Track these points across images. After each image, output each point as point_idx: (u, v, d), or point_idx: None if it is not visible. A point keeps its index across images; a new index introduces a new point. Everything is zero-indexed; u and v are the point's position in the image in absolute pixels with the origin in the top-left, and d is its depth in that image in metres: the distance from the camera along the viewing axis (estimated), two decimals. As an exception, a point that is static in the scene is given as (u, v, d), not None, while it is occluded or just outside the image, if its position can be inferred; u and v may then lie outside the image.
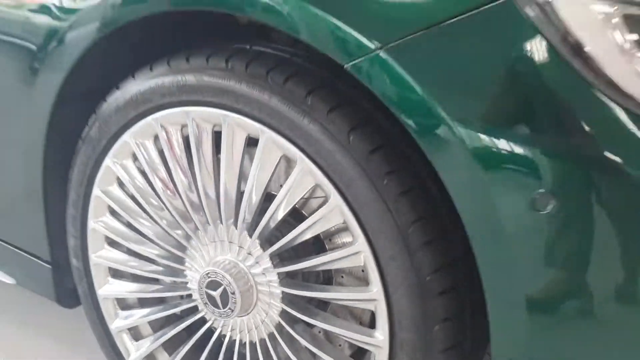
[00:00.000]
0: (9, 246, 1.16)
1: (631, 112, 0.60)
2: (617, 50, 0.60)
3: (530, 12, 0.61)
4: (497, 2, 0.62)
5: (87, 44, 0.89)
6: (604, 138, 0.61)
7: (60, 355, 1.31)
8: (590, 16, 0.61)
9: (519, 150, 0.63)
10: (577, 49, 0.60)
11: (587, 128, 0.62)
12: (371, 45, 0.67)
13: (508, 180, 0.65)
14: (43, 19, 0.94)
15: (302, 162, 0.77)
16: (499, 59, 0.64)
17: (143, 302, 1.01)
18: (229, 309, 0.88)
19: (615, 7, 0.60)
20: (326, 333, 0.90)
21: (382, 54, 0.66)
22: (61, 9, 0.92)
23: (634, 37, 0.60)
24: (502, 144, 0.64)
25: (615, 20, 0.60)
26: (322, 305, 0.88)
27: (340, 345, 0.91)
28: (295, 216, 0.85)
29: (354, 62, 0.69)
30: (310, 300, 0.87)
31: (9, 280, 1.21)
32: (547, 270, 0.67)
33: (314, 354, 0.87)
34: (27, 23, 0.97)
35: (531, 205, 0.64)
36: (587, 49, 0.60)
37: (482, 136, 0.64)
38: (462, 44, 0.65)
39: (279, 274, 0.85)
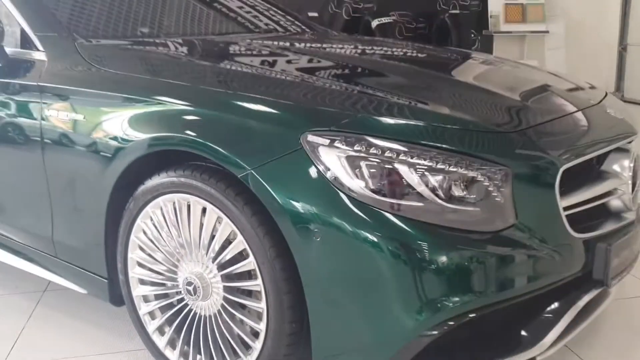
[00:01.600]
0: (85, 271, 2.03)
1: (352, 198, 1.43)
2: (344, 171, 1.44)
3: (312, 154, 1.46)
4: (295, 150, 1.47)
5: (130, 159, 1.76)
6: (335, 211, 1.44)
7: (110, 334, 2.15)
8: (332, 156, 1.45)
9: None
10: (337, 181, 1.44)
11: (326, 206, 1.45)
12: (247, 166, 1.52)
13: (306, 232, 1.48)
14: (113, 143, 1.81)
15: (225, 220, 1.61)
16: (302, 175, 1.48)
17: (157, 297, 1.85)
18: (197, 296, 1.71)
19: (344, 153, 1.45)
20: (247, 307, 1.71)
21: (254, 172, 1.51)
22: (122, 139, 1.79)
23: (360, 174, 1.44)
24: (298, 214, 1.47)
25: (344, 155, 1.44)
26: (248, 292, 1.70)
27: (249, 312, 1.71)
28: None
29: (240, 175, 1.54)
30: (238, 289, 1.69)
31: (83, 291, 2.08)
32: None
33: (240, 320, 1.69)
34: (102, 144, 1.84)
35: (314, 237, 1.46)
36: (330, 172, 1.44)
37: (298, 211, 1.48)
38: (286, 170, 1.49)
39: (222, 277, 1.68)
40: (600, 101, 1.98)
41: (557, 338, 1.62)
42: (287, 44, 2.51)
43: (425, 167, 1.46)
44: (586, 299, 1.68)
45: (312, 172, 1.47)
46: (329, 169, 1.46)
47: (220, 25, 2.79)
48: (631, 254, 1.85)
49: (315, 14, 6.02)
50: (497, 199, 1.49)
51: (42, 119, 1.97)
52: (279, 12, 3.09)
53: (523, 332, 1.62)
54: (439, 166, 1.46)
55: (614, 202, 1.82)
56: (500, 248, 1.50)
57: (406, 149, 1.47)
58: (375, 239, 1.43)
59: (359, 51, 2.47)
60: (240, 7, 2.97)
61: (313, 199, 1.47)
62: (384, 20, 6.03)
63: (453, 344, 1.55)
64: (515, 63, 2.52)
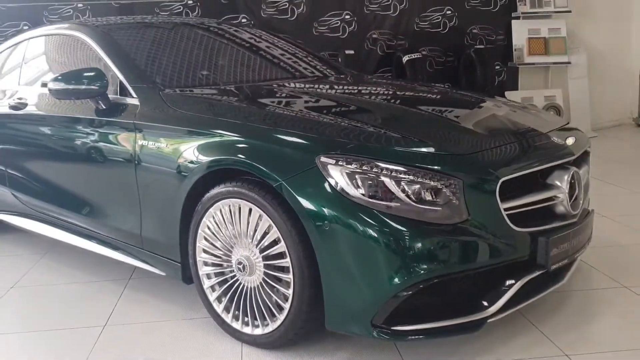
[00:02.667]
0: (164, 258, 2.75)
1: (352, 201, 2.10)
2: (345, 182, 2.11)
3: (323, 171, 2.14)
4: (312, 167, 2.15)
5: (199, 176, 2.48)
6: (340, 210, 2.11)
7: (182, 309, 2.85)
8: (339, 172, 2.13)
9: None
10: (342, 190, 2.12)
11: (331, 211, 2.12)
12: (279, 179, 2.21)
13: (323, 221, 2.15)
14: (187, 164, 2.53)
15: (264, 217, 2.30)
16: (317, 184, 2.16)
17: (216, 275, 2.55)
18: (245, 272, 2.40)
19: (345, 169, 2.12)
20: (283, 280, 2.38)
21: (284, 182, 2.19)
22: (193, 161, 2.51)
23: (357, 184, 2.11)
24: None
25: (346, 171, 2.12)
26: (280, 268, 2.36)
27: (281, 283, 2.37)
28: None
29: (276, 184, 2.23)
30: (274, 266, 2.36)
31: (162, 273, 2.80)
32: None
33: (276, 289, 2.36)
34: (179, 165, 2.57)
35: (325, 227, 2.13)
36: (335, 182, 2.12)
37: (315, 209, 2.15)
38: (306, 181, 2.17)
39: (262, 257, 2.36)
40: (549, 132, 2.60)
41: (504, 305, 2.23)
42: (315, 86, 3.21)
43: (403, 179, 2.12)
44: (528, 277, 2.29)
45: (324, 182, 2.15)
46: (335, 180, 2.14)
47: (267, 73, 3.51)
48: (572, 246, 2.44)
49: (352, 52, 6.74)
50: (454, 201, 2.13)
51: (136, 147, 2.72)
52: (313, 58, 3.80)
53: (479, 299, 2.23)
54: (413, 179, 2.12)
55: (559, 207, 2.42)
56: (457, 235, 2.13)
57: (389, 167, 2.13)
58: (369, 229, 2.09)
59: (364, 92, 3.17)
60: (283, 56, 3.71)
61: (325, 201, 2.14)
62: (414, 56, 6.68)
63: (426, 307, 2.19)
64: (495, 100, 3.16)
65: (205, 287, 2.57)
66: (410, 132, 2.37)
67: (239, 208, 2.38)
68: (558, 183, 2.41)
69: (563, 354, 2.32)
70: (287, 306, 2.30)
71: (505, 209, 2.22)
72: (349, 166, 2.14)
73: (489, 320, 2.23)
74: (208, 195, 2.47)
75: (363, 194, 2.12)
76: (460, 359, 2.33)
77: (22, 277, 3.37)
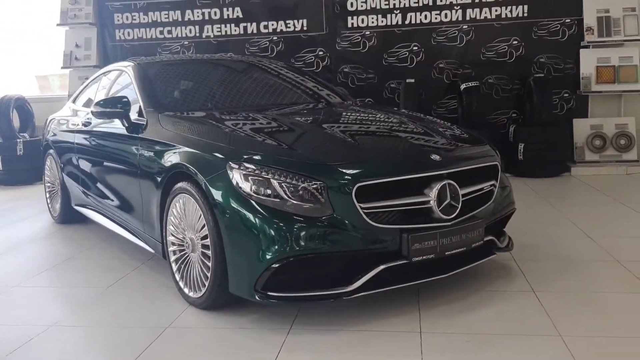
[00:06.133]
0: (153, 239, 3.64)
1: (246, 196, 2.83)
2: (242, 181, 2.86)
3: (230, 172, 2.90)
4: (223, 170, 2.92)
5: (166, 176, 3.34)
6: (238, 202, 2.85)
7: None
8: (239, 174, 2.87)
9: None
10: (239, 187, 2.87)
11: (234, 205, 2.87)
12: (204, 178, 2.99)
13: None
14: (162, 169, 3.41)
15: (197, 207, 3.08)
16: (226, 183, 2.92)
17: (178, 252, 3.37)
18: (191, 250, 3.21)
19: (242, 172, 2.87)
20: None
21: (206, 181, 2.98)
22: (164, 166, 3.38)
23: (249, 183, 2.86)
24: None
25: (242, 173, 2.86)
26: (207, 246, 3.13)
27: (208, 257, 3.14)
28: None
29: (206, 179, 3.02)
30: (204, 245, 3.13)
31: (152, 250, 3.69)
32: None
33: (206, 263, 3.13)
34: (158, 169, 3.46)
35: (227, 215, 2.88)
36: (236, 181, 2.87)
37: (222, 201, 2.92)
38: (219, 181, 2.94)
39: (199, 237, 3.15)
40: (433, 146, 3.19)
41: (361, 286, 2.80)
42: (284, 112, 3.93)
43: (283, 181, 2.81)
44: (387, 265, 2.84)
45: (229, 181, 2.90)
46: (235, 180, 2.88)
47: (259, 100, 4.30)
48: (442, 245, 2.93)
49: (412, 80, 7.31)
50: (320, 199, 2.78)
51: (137, 155, 3.67)
52: (319, 89, 4.55)
53: (341, 277, 2.83)
54: (289, 181, 2.80)
55: (433, 209, 2.93)
56: (323, 226, 2.77)
57: (273, 171, 2.83)
58: (253, 216, 2.81)
59: (317, 116, 3.84)
60: (282, 86, 4.51)
61: (228, 195, 2.90)
62: (471, 84, 7.08)
63: (295, 282, 2.83)
64: (409, 118, 3.81)
65: (171, 261, 3.41)
66: (304, 146, 3.08)
67: (186, 201, 3.20)
68: (427, 191, 2.93)
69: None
70: (211, 275, 3.06)
71: (365, 208, 2.80)
72: (244, 170, 2.88)
73: (355, 296, 2.81)
74: (171, 191, 3.32)
75: (252, 191, 2.83)
76: None
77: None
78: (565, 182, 6.68)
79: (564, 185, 6.54)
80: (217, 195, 2.93)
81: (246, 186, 2.85)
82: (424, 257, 2.90)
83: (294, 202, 2.79)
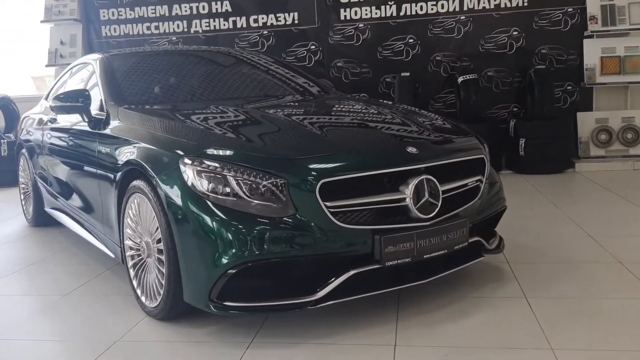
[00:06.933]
0: (112, 241, 3.35)
1: (199, 194, 2.54)
2: (195, 179, 2.56)
3: (182, 168, 2.60)
4: (176, 167, 2.62)
5: (121, 173, 3.05)
6: (187, 205, 2.56)
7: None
8: (192, 171, 2.58)
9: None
10: (192, 185, 2.58)
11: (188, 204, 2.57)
12: (155, 175, 2.71)
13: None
14: (117, 165, 3.12)
15: (150, 207, 2.79)
16: (178, 180, 2.62)
17: (135, 257, 3.08)
18: (147, 255, 2.92)
19: (196, 168, 2.57)
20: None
21: (157, 179, 2.69)
22: (119, 163, 3.09)
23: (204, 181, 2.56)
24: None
25: (196, 170, 2.57)
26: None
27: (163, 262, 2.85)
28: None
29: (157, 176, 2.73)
30: (159, 250, 2.85)
31: (112, 255, 3.41)
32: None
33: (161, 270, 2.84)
34: (114, 165, 3.17)
35: (179, 216, 2.59)
36: (189, 179, 2.57)
37: (175, 200, 2.62)
38: (171, 178, 2.65)
39: (154, 241, 2.86)
40: (403, 138, 2.90)
41: (328, 294, 2.50)
42: (252, 104, 3.58)
43: (240, 178, 2.51)
44: (357, 270, 2.53)
45: (181, 179, 2.60)
46: (188, 177, 2.58)
47: (230, 91, 4.00)
48: (420, 247, 2.61)
49: (407, 74, 6.99)
50: (282, 198, 2.48)
51: (96, 151, 3.38)
52: (298, 81, 4.24)
53: (307, 285, 2.53)
54: (247, 178, 2.50)
55: (409, 208, 2.62)
56: (285, 228, 2.47)
57: (229, 167, 2.53)
58: (211, 217, 2.51)
59: (289, 109, 3.49)
60: (258, 77, 4.21)
61: (180, 194, 2.60)
62: (468, 77, 6.75)
63: (256, 291, 2.53)
64: (390, 108, 3.51)
65: (128, 266, 3.12)
66: (267, 140, 2.77)
67: (141, 201, 2.91)
68: (402, 188, 2.62)
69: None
70: (164, 283, 2.77)
71: (332, 207, 2.50)
72: (198, 166, 2.58)
73: (321, 305, 2.51)
74: (126, 190, 3.03)
75: (207, 189, 2.54)
76: None
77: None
78: (569, 178, 6.34)
79: (567, 182, 6.20)
80: (170, 193, 2.64)
81: (200, 184, 2.56)
82: (399, 261, 2.59)
83: (252, 201, 2.50)
